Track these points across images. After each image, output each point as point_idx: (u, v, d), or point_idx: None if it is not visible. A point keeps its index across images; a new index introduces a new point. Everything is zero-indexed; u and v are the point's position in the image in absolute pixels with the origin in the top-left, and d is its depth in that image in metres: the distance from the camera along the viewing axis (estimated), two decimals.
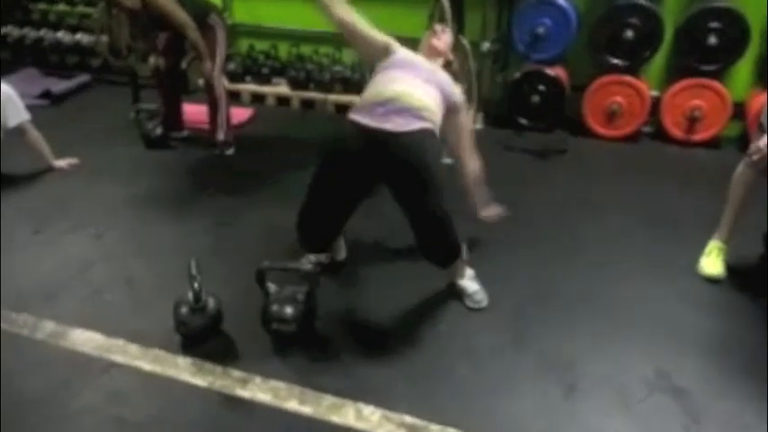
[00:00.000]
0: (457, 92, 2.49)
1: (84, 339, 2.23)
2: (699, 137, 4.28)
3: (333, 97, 5.00)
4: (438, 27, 2.73)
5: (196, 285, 2.15)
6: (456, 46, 3.42)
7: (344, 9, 2.46)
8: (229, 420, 1.93)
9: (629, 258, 2.85)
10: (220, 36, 3.93)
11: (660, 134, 4.40)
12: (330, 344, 2.24)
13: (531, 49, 4.32)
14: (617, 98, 4.32)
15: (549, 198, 3.46)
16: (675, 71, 4.31)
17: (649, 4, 4.06)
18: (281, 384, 2.04)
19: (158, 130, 4.15)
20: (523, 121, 4.46)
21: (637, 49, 4.18)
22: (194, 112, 4.39)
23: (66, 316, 2.34)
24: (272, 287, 2.21)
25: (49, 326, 2.29)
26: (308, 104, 5.10)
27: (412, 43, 2.61)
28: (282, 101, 5.17)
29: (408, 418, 1.89)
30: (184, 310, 2.16)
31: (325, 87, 5.01)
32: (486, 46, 4.45)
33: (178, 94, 4.25)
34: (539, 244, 2.94)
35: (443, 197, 2.26)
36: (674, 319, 2.42)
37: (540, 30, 4.25)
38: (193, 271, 2.18)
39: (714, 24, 3.96)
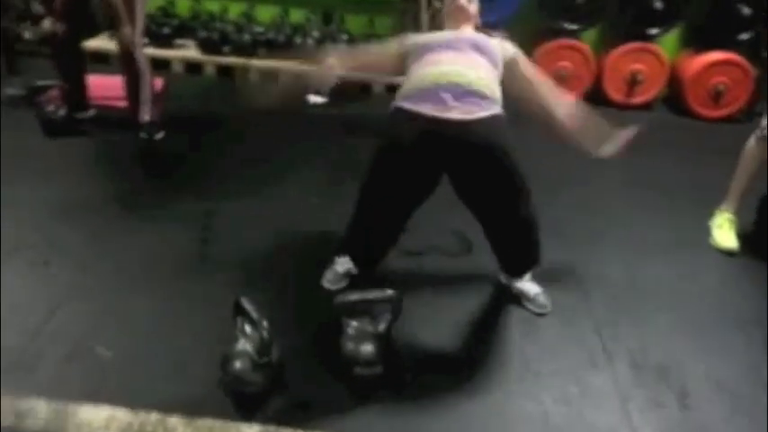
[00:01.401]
0: (505, 44, 2.17)
1: (102, 419, 1.66)
2: (638, 100, 4.39)
3: (256, 63, 4.40)
4: None
5: (265, 334, 1.67)
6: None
7: (354, 59, 2.32)
8: None
9: (631, 233, 2.81)
10: None
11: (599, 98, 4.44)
12: (420, 381, 1.88)
13: (481, 11, 4.09)
14: (565, 63, 4.27)
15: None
16: (616, 36, 4.34)
17: None
18: None
19: (61, 112, 3.33)
20: None
21: (586, 12, 4.13)
22: (98, 85, 3.60)
23: (58, 388, 1.73)
24: (351, 323, 1.79)
25: (41, 408, 1.67)
26: (224, 71, 4.44)
27: None
28: (192, 67, 4.46)
29: None
30: (243, 364, 1.68)
31: (246, 51, 4.39)
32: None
33: (82, 66, 3.43)
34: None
35: (530, 191, 1.98)
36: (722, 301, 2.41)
37: None
38: (254, 314, 1.70)
39: None
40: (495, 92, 1.99)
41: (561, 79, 4.26)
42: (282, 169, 3.18)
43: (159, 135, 3.36)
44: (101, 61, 4.04)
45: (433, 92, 1.90)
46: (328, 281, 2.27)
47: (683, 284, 2.48)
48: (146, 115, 3.34)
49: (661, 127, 4.24)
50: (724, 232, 2.78)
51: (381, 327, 1.81)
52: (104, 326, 1.99)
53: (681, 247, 2.75)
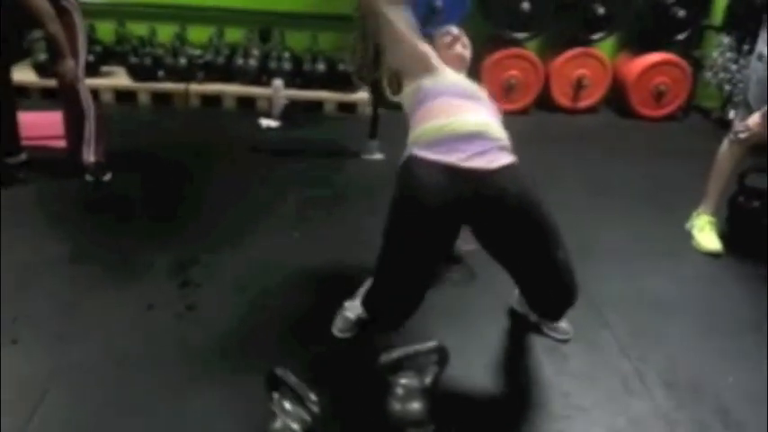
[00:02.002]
0: None
1: None
2: (584, 103, 4.48)
3: (197, 88, 4.11)
4: (454, 31, 2.23)
5: (314, 408, 1.49)
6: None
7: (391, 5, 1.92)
8: None
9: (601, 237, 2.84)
10: (78, 22, 2.88)
11: (547, 104, 4.51)
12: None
13: (427, 22, 4.01)
14: (513, 72, 4.29)
15: None
16: (560, 42, 4.40)
17: None
18: None
19: None
20: None
21: (531, 21, 4.16)
22: (30, 123, 3.23)
23: None
24: (398, 381, 1.63)
25: None
26: (160, 99, 4.13)
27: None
28: (124, 96, 4.11)
29: None
30: None
31: (183, 75, 4.09)
32: None
33: (12, 104, 3.05)
34: None
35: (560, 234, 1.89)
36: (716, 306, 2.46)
37: (438, 2, 3.99)
38: (296, 386, 1.51)
39: None
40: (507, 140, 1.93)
41: (510, 88, 4.30)
42: (251, 205, 2.95)
43: (107, 177, 3.05)
44: (22, 95, 3.63)
45: (456, 141, 1.82)
46: (340, 330, 2.11)
47: (685, 294, 2.50)
48: (90, 156, 3.03)
49: (609, 129, 4.37)
50: (706, 235, 2.85)
51: (428, 380, 1.67)
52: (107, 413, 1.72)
53: (666, 255, 2.78)
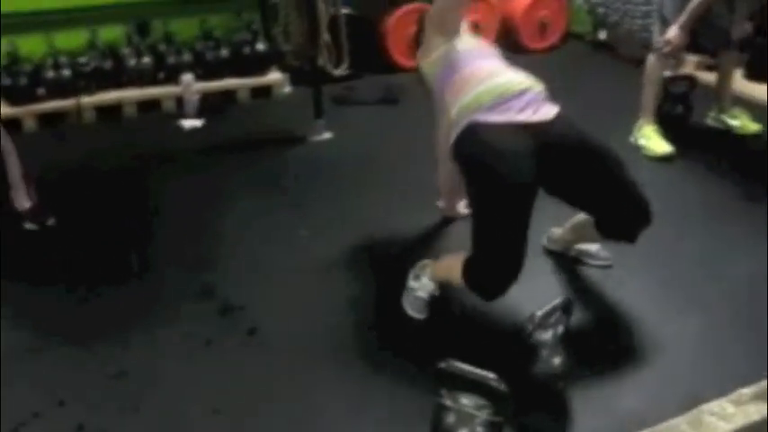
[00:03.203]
0: None
1: None
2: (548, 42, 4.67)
3: (91, 100, 3.62)
4: None
5: (502, 387, 1.44)
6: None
7: None
8: None
9: None
10: None
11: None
12: None
13: None
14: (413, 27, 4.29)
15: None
16: None
17: None
18: None
19: None
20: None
21: None
22: None
23: None
24: None
25: None
26: (48, 120, 3.58)
27: None
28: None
29: None
30: None
31: (70, 89, 3.57)
32: None
33: None
34: None
35: None
36: None
37: None
38: (492, 377, 1.45)
39: None
40: None
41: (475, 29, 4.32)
42: (235, 216, 2.72)
43: (51, 221, 2.63)
44: None
45: (512, 102, 1.87)
46: (416, 310, 2.08)
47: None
48: (24, 201, 2.58)
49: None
50: (655, 141, 3.14)
51: (561, 333, 1.71)
52: None
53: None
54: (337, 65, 3.26)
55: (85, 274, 2.32)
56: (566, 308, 1.72)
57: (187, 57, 3.80)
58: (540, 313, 1.69)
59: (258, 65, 3.93)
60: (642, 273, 2.23)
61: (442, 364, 1.52)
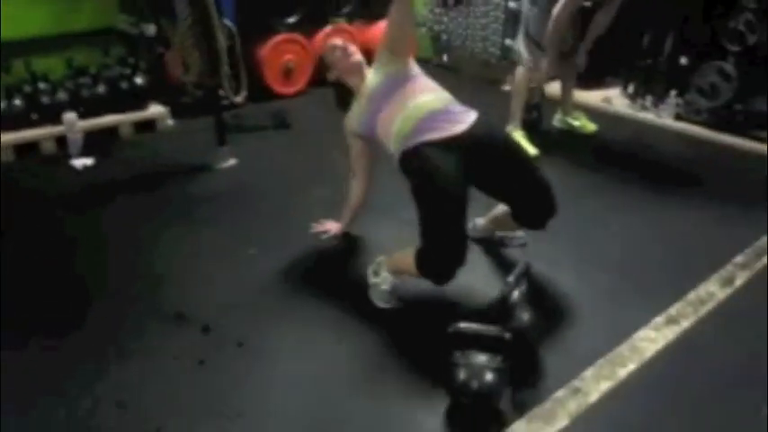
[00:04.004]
0: None
1: None
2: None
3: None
4: (339, 42, 2.56)
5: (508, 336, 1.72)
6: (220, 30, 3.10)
7: None
8: None
9: None
10: None
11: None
12: None
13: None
14: (289, 56, 4.53)
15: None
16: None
17: None
18: None
19: None
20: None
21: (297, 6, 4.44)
22: None
23: None
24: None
25: None
26: None
27: None
28: None
29: None
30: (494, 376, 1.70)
31: None
32: (150, 29, 3.86)
33: None
34: None
35: None
36: None
37: None
38: (499, 330, 1.71)
39: None
40: None
41: (289, 71, 4.55)
42: (175, 242, 2.73)
43: None
44: None
45: (432, 123, 2.18)
46: (385, 302, 2.30)
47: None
48: None
49: None
50: (524, 145, 3.70)
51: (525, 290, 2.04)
52: None
53: None
54: (237, 93, 3.37)
55: (40, 321, 2.20)
56: (526, 271, 2.06)
57: (62, 95, 3.63)
58: (511, 278, 2.01)
59: (138, 99, 3.87)
60: (543, 245, 2.65)
61: (451, 327, 1.78)
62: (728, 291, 2.40)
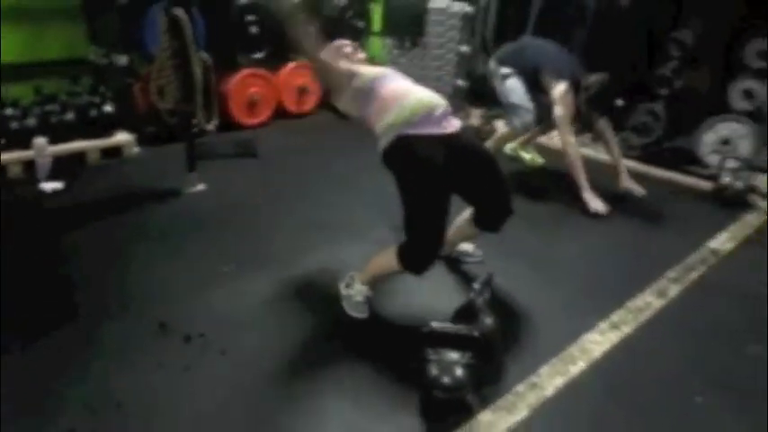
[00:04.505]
0: None
1: None
2: (306, 107, 5.20)
3: None
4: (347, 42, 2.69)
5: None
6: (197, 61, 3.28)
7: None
8: None
9: None
10: None
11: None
12: None
13: None
14: (254, 89, 4.73)
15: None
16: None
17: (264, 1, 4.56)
18: None
19: None
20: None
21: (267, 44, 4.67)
22: None
23: None
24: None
25: None
26: None
27: None
28: None
29: None
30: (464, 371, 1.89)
31: None
32: (122, 59, 4.01)
33: None
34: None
35: None
36: None
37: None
38: (468, 329, 1.91)
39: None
40: None
41: (254, 104, 4.75)
42: (149, 262, 2.83)
43: None
44: None
45: (429, 117, 2.32)
46: (359, 312, 2.47)
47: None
48: None
49: (330, 124, 5.13)
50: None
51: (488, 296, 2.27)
52: None
53: None
54: (209, 120, 3.53)
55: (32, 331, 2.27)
56: (489, 280, 2.29)
57: (32, 121, 3.70)
58: (477, 286, 2.23)
59: (106, 127, 3.97)
60: (503, 262, 2.89)
61: (425, 328, 1.97)
62: (663, 301, 2.68)
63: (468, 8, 5.13)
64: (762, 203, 3.77)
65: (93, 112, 3.92)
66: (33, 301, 2.47)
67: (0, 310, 2.34)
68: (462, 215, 2.71)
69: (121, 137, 4.05)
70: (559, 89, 3.55)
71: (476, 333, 1.97)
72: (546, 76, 3.62)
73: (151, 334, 2.30)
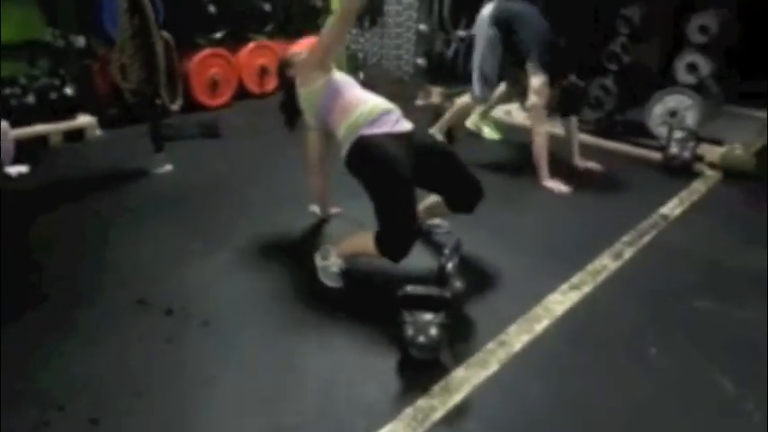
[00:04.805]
0: None
1: None
2: (269, 88, 5.22)
3: None
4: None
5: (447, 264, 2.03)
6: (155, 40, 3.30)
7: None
8: None
9: None
10: None
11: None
12: None
13: None
14: (215, 69, 4.73)
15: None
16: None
17: None
18: None
19: None
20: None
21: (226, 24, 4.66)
22: None
23: None
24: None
25: None
26: None
27: None
28: None
29: None
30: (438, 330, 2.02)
31: None
32: (79, 41, 3.97)
33: None
34: None
35: None
36: None
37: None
38: (440, 291, 2.03)
39: None
40: None
41: (215, 84, 4.75)
42: (124, 240, 2.86)
43: None
44: None
45: (386, 118, 2.54)
46: (333, 281, 2.57)
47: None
48: None
49: None
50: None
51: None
52: None
53: None
54: (173, 101, 3.54)
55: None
56: (458, 246, 2.41)
57: None
58: (447, 251, 2.35)
59: (68, 109, 3.93)
60: (469, 233, 3.00)
61: (400, 291, 2.08)
62: (619, 263, 2.86)
63: None
64: (708, 172, 4.01)
65: (54, 95, 3.88)
66: (7, 287, 2.48)
67: None
68: (431, 197, 2.83)
69: (83, 119, 4.02)
70: (539, 80, 3.62)
71: (447, 294, 2.10)
72: (530, 63, 3.64)
73: (131, 310, 2.34)
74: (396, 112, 2.60)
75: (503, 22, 3.73)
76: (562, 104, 3.81)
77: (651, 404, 2.02)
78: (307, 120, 2.80)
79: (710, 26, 4.10)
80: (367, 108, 2.54)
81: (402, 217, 2.39)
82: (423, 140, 2.61)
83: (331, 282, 2.57)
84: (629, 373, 2.18)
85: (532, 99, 3.67)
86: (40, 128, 3.81)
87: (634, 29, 4.41)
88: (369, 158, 2.47)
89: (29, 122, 3.76)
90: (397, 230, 2.39)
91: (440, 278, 2.28)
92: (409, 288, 2.09)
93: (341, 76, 2.72)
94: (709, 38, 4.12)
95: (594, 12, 4.55)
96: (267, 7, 4.97)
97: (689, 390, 2.09)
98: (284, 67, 2.92)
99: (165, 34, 3.40)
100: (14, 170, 3.43)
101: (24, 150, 3.63)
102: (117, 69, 3.35)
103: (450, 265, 2.33)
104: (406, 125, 2.59)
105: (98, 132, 4.08)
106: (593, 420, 1.95)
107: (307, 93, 2.70)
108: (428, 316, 2.07)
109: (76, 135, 3.99)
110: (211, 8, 4.59)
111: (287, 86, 2.89)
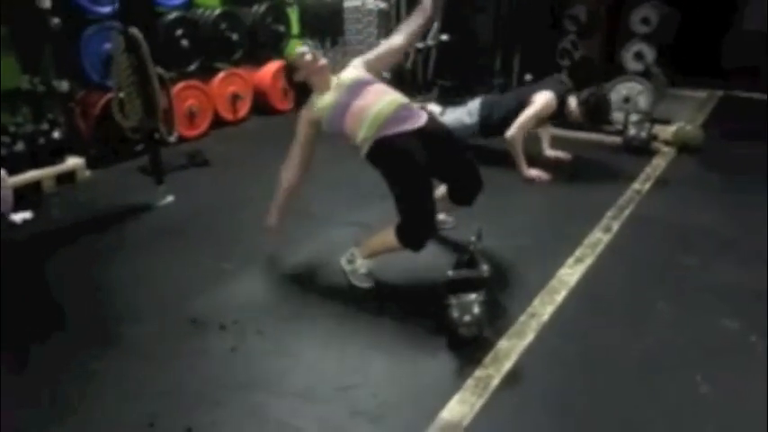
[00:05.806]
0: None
1: None
2: (240, 114, 5.34)
3: None
4: (306, 49, 2.86)
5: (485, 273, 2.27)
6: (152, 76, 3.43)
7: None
8: None
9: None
10: None
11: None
12: None
13: (105, 73, 4.18)
14: (192, 101, 4.84)
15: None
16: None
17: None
18: None
19: None
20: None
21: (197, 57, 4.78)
22: None
23: None
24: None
25: None
26: None
27: None
28: None
29: None
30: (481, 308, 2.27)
31: None
32: (63, 85, 4.04)
33: None
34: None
35: None
36: None
37: None
38: (481, 268, 2.26)
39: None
40: None
41: (192, 115, 4.86)
42: (155, 270, 2.97)
43: None
44: None
45: (401, 115, 2.66)
46: (365, 282, 2.76)
47: None
48: None
49: (266, 127, 5.33)
50: None
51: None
52: None
53: None
54: (170, 133, 3.66)
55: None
56: (480, 233, 2.65)
57: None
58: (473, 238, 2.59)
59: (57, 153, 3.97)
60: (469, 226, 3.24)
61: (444, 277, 2.30)
62: (609, 235, 3.19)
63: (381, 4, 5.50)
64: (664, 148, 4.43)
65: (42, 140, 3.91)
66: (71, 326, 2.55)
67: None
68: (436, 193, 3.05)
69: (73, 161, 4.06)
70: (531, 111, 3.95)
71: (485, 274, 2.34)
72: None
73: (187, 329, 2.47)
74: (409, 106, 2.70)
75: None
76: (591, 115, 4.01)
77: (667, 346, 2.34)
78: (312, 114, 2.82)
79: (651, 17, 4.54)
80: (380, 110, 2.62)
81: (421, 208, 2.60)
82: (436, 131, 2.75)
83: (362, 283, 2.75)
84: (644, 325, 2.48)
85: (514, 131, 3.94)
86: (33, 173, 3.83)
87: (581, 26, 4.82)
88: (388, 154, 2.63)
89: (21, 169, 3.78)
90: (417, 218, 2.60)
91: (470, 262, 2.51)
92: (451, 273, 2.32)
93: (346, 83, 2.75)
94: (650, 28, 4.56)
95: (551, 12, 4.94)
96: (234, 36, 5.12)
97: (697, 330, 2.42)
98: (291, 71, 2.91)
99: (160, 70, 3.51)
100: (19, 217, 3.45)
101: (20, 198, 3.65)
102: (117, 108, 3.45)
103: (477, 250, 2.56)
104: (420, 119, 2.67)
105: (87, 173, 4.12)
106: (624, 370, 2.23)
107: (315, 113, 2.84)
108: (471, 296, 2.30)
109: (67, 178, 4.02)
110: (184, 42, 4.71)
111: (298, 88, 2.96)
